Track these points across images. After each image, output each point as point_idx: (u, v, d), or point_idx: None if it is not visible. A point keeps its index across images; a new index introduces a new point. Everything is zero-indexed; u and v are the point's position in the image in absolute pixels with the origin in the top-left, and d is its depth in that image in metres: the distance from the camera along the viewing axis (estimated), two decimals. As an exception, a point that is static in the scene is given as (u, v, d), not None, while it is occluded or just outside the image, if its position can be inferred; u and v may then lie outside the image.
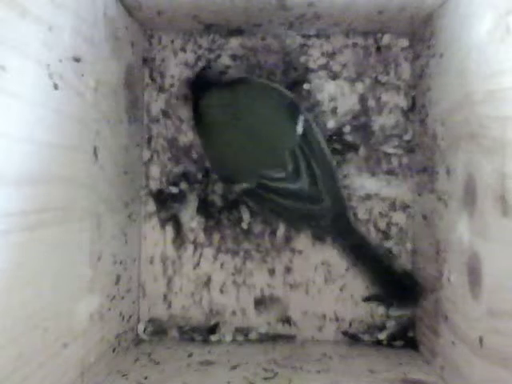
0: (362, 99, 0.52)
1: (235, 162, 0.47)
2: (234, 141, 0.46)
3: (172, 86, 0.53)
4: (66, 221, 0.35)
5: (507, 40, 0.31)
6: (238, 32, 0.52)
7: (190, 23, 0.50)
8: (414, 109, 0.51)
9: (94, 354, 0.40)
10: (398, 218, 0.52)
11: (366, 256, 0.47)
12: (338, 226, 0.46)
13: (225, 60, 0.53)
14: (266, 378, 0.41)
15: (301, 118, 0.46)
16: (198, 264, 0.52)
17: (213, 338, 0.51)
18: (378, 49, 0.52)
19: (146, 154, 0.53)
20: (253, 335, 0.51)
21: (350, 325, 0.52)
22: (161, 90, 0.53)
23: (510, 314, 0.31)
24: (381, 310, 0.51)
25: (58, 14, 0.33)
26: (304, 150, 0.45)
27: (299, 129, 0.45)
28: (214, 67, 0.51)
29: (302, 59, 0.52)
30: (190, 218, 0.52)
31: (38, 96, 0.31)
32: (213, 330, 0.51)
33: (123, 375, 0.42)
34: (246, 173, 0.46)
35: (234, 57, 0.53)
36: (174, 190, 0.52)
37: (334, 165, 0.47)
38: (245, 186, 0.46)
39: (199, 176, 0.52)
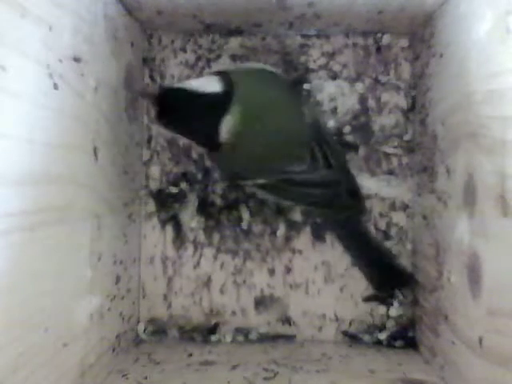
0: (362, 99, 0.52)
1: (259, 163, 0.44)
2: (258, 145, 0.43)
3: (172, 86, 0.53)
4: (66, 221, 0.35)
5: (507, 40, 0.31)
6: (237, 32, 0.52)
7: (190, 23, 0.50)
8: (414, 109, 0.51)
9: (94, 354, 0.40)
10: (398, 218, 0.52)
11: (370, 242, 0.48)
12: (353, 204, 0.47)
13: (225, 60, 0.53)
14: (266, 378, 0.41)
15: (304, 99, 0.46)
16: (198, 264, 0.52)
17: (213, 337, 0.51)
18: (378, 49, 0.52)
19: (146, 154, 0.53)
20: (253, 335, 0.51)
21: (350, 325, 0.52)
22: (161, 90, 0.53)
23: (510, 314, 0.31)
24: (381, 309, 0.51)
25: (58, 13, 0.33)
26: (315, 136, 0.45)
27: (307, 115, 0.45)
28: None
29: (302, 59, 0.52)
30: (190, 218, 0.52)
31: (38, 96, 0.31)
32: (213, 330, 0.51)
33: (123, 375, 0.42)
34: (269, 172, 0.45)
35: (233, 57, 0.53)
36: (174, 190, 0.52)
37: (336, 142, 0.49)
38: (262, 181, 0.45)
39: (199, 176, 0.52)
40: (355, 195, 0.47)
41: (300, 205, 0.49)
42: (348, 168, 0.47)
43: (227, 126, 0.41)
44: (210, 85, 0.41)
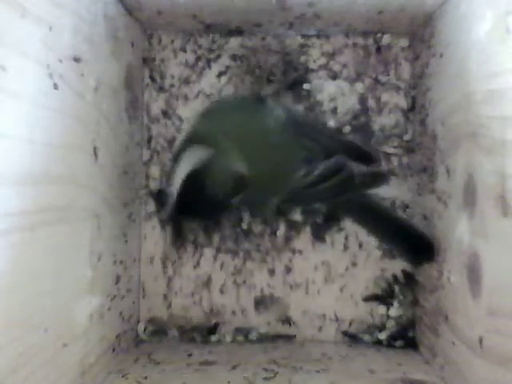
0: (362, 99, 0.52)
1: (272, 183, 0.44)
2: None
3: (172, 86, 0.53)
4: (66, 221, 0.35)
5: (507, 40, 0.31)
6: (237, 32, 0.52)
7: (190, 23, 0.50)
8: (414, 109, 0.51)
9: (94, 354, 0.40)
10: (398, 218, 0.52)
11: (394, 219, 0.48)
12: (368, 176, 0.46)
13: (225, 60, 0.53)
14: (265, 378, 0.41)
15: (269, 108, 0.44)
16: (197, 264, 0.52)
17: (213, 337, 0.51)
18: (378, 49, 0.52)
19: (146, 154, 0.53)
20: (253, 335, 0.51)
21: (350, 325, 0.52)
22: (161, 89, 0.53)
23: (510, 314, 0.31)
24: (381, 309, 0.51)
25: (58, 13, 0.33)
26: (297, 132, 0.44)
27: (279, 116, 0.44)
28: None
29: (302, 59, 0.52)
30: (190, 218, 0.52)
31: (38, 96, 0.31)
32: (213, 330, 0.51)
33: (123, 375, 0.42)
34: (283, 188, 0.44)
35: (234, 57, 0.53)
36: (174, 190, 0.52)
37: (322, 124, 0.50)
38: (281, 198, 0.45)
39: (199, 176, 0.52)
40: (366, 158, 0.46)
41: (318, 203, 0.50)
42: (346, 140, 0.47)
43: (238, 165, 0.41)
44: (193, 160, 0.41)
